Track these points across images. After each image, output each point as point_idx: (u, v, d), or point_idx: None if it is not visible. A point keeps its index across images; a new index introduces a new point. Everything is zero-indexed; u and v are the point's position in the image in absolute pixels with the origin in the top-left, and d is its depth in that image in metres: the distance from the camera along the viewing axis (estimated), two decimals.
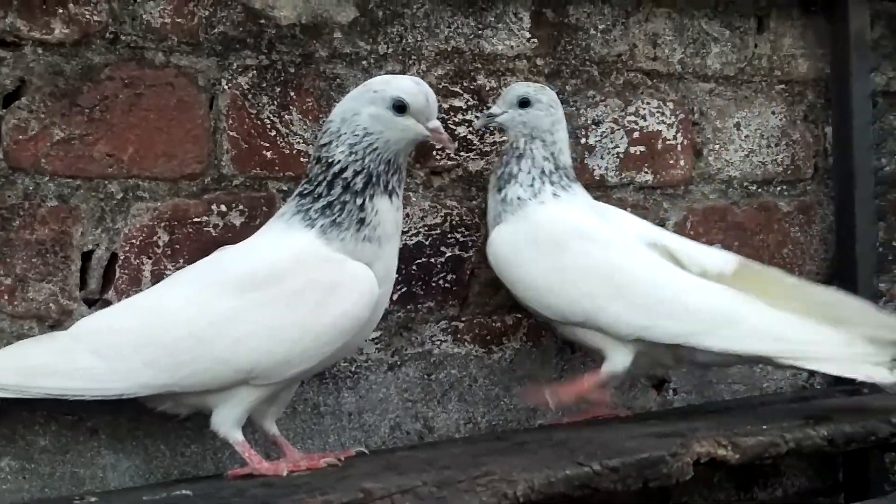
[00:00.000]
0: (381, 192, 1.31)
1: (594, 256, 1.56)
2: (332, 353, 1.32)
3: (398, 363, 1.62)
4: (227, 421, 1.30)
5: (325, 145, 1.33)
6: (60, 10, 1.40)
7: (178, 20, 1.48)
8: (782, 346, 1.51)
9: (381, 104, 1.31)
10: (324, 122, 1.40)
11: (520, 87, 1.62)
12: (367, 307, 1.31)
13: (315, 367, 1.34)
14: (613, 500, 1.56)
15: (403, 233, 1.59)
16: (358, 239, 1.30)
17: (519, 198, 1.59)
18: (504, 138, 1.67)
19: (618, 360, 1.56)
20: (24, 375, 1.26)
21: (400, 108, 1.31)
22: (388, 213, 1.32)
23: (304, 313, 1.28)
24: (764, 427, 1.45)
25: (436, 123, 1.35)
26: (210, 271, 1.34)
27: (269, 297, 1.28)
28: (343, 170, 1.31)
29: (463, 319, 1.68)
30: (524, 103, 1.60)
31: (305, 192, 1.33)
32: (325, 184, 1.31)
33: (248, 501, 1.16)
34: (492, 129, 1.69)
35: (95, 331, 1.30)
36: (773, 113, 1.99)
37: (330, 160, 1.32)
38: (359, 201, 1.30)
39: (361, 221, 1.30)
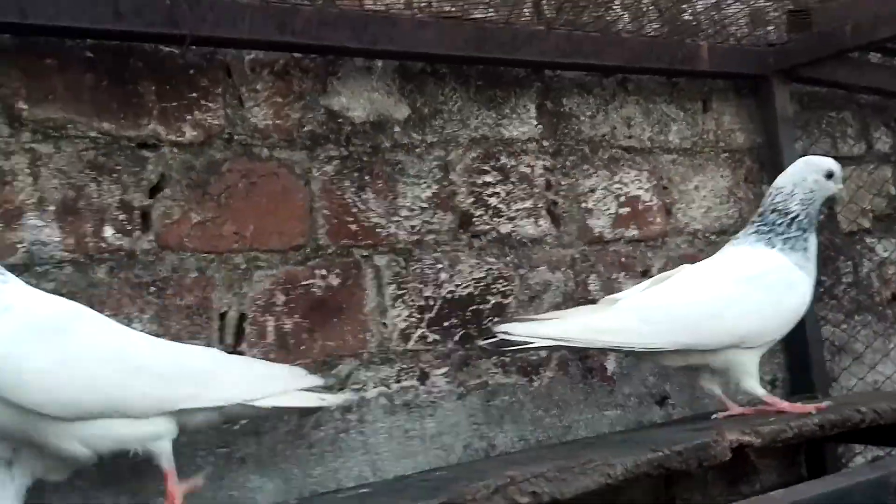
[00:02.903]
0: (812, 231, 1.94)
1: None
2: (785, 331, 1.94)
3: (464, 393, 1.95)
4: (750, 382, 1.91)
5: (780, 201, 1.93)
6: (188, 117, 1.73)
7: (277, 121, 1.82)
8: (245, 390, 1.49)
9: (818, 173, 1.94)
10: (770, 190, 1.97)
11: None
12: (806, 303, 1.95)
13: (775, 339, 1.94)
14: (624, 498, 1.94)
15: (456, 285, 1.96)
16: (799, 259, 1.91)
17: None
18: None
19: None
20: (591, 333, 1.82)
21: (829, 175, 1.95)
22: (813, 245, 1.94)
23: (776, 300, 1.90)
24: (771, 419, 1.83)
25: (841, 185, 1.99)
26: (717, 270, 1.94)
27: (756, 288, 1.88)
28: (797, 215, 1.92)
29: (507, 355, 2.02)
30: None
31: (763, 230, 1.94)
32: (784, 224, 1.92)
33: (424, 490, 1.45)
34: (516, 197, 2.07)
35: (641, 306, 1.87)
36: (722, 176, 2.43)
37: (787, 210, 1.92)
38: (804, 236, 1.92)
39: (804, 249, 1.92)
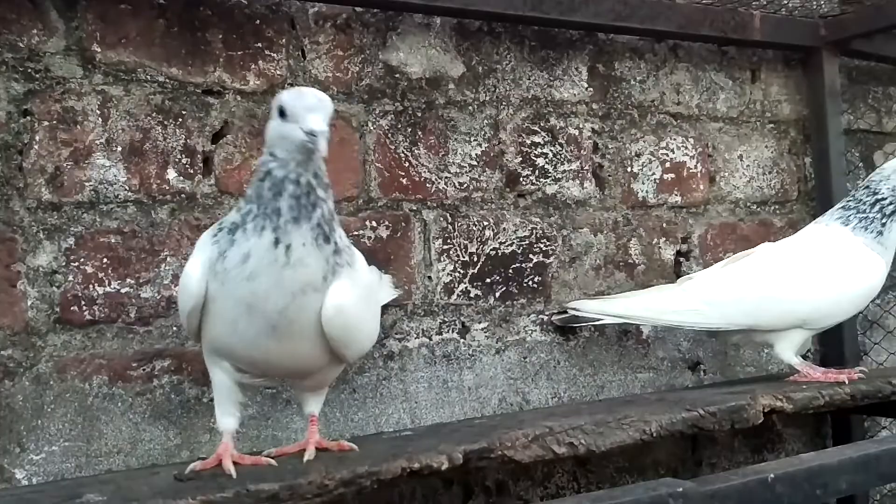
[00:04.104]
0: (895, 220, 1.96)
1: None
2: (851, 314, 2.02)
3: (502, 348, 2.00)
4: (786, 350, 1.97)
5: (876, 180, 1.97)
6: (253, 66, 1.77)
7: (338, 74, 1.86)
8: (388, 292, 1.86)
9: None
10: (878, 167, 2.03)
11: None
12: (880, 283, 1.96)
13: (844, 319, 2.02)
14: (651, 458, 1.99)
15: (500, 242, 2.01)
16: (872, 241, 1.95)
17: None
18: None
19: None
20: (655, 312, 1.94)
21: None
22: (893, 233, 1.96)
23: (842, 283, 1.94)
24: (804, 386, 1.88)
25: None
26: (788, 250, 2.00)
27: (823, 270, 1.94)
28: (885, 198, 1.95)
29: (546, 313, 2.07)
30: None
31: (849, 206, 1.98)
32: (868, 204, 1.96)
33: (465, 435, 1.52)
34: (563, 158, 2.11)
35: (704, 287, 1.96)
36: (766, 147, 2.45)
37: (876, 190, 1.96)
38: (884, 220, 1.95)
39: (880, 233, 1.95)
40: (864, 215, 1.96)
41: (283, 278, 1.25)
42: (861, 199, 1.98)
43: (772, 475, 1.44)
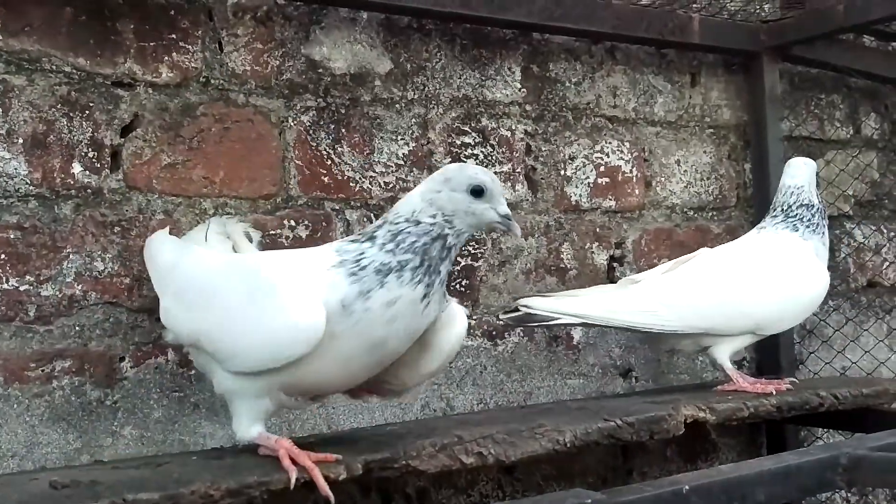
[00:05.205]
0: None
1: None
2: (802, 319, 2.04)
3: None
4: (725, 354, 1.94)
5: (804, 195, 2.03)
6: (166, 57, 1.71)
7: (256, 68, 1.80)
8: None
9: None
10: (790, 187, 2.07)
11: None
12: (823, 292, 1.99)
13: (793, 325, 2.05)
14: (580, 466, 1.95)
15: None
16: (819, 246, 2.00)
17: None
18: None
19: None
20: (608, 311, 1.87)
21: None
22: (828, 239, 2.04)
23: (795, 286, 1.94)
24: (729, 397, 1.84)
25: None
26: (739, 255, 2.00)
27: (776, 276, 1.93)
28: (816, 206, 2.02)
29: (474, 318, 2.02)
30: None
31: (791, 215, 2.03)
32: (808, 210, 2.02)
33: (372, 443, 1.47)
34: (494, 160, 2.06)
35: (661, 288, 1.92)
36: (705, 152, 2.42)
37: (809, 203, 2.03)
38: (823, 226, 2.03)
39: (823, 234, 2.02)
40: (810, 222, 2.02)
41: (414, 324, 1.32)
42: (804, 213, 2.03)
43: (686, 487, 1.40)
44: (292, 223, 1.81)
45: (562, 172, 2.17)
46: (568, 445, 1.55)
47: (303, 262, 1.34)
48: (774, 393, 1.88)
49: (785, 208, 2.06)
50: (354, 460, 1.33)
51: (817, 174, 2.15)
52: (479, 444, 1.47)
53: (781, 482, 1.52)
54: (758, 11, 2.41)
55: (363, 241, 1.32)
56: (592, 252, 2.19)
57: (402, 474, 1.39)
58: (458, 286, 2.00)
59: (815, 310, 2.08)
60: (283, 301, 1.29)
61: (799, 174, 2.08)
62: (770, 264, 1.98)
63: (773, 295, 1.95)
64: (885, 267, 2.71)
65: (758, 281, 1.95)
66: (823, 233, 2.04)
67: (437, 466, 1.42)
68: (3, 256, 1.55)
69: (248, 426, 1.35)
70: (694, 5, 2.29)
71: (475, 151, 2.05)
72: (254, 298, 1.32)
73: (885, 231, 2.71)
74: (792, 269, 1.97)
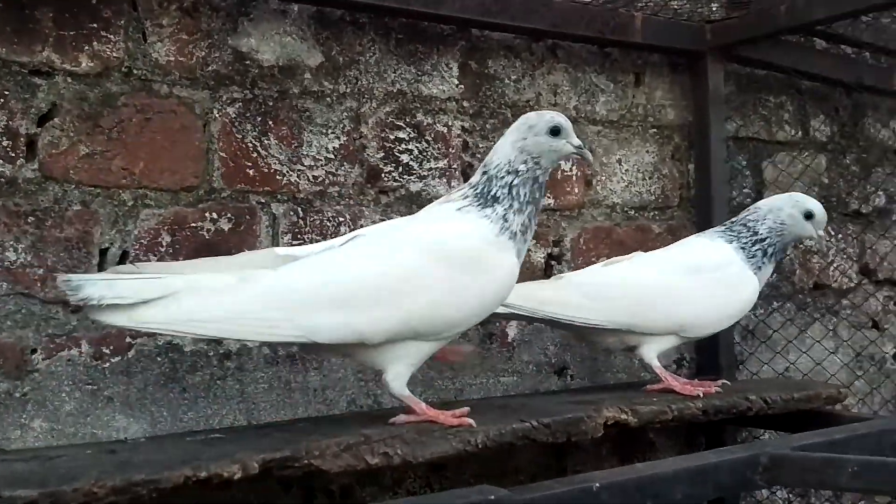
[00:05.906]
0: (771, 261, 2.00)
1: None
2: (725, 326, 2.01)
3: None
4: (651, 353, 1.93)
5: (752, 220, 1.99)
6: (86, 47, 1.69)
7: (181, 59, 1.78)
8: None
9: (797, 209, 1.98)
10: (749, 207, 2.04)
11: None
12: (750, 303, 1.99)
13: (718, 330, 2.01)
14: (512, 464, 1.93)
15: None
16: (754, 262, 1.97)
17: None
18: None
19: None
20: (536, 303, 1.86)
21: (808, 216, 1.97)
22: (769, 269, 2.00)
23: (720, 296, 1.95)
24: (654, 399, 1.83)
25: (821, 232, 2.02)
26: (668, 257, 2.00)
27: (702, 280, 1.93)
28: (764, 239, 1.97)
29: None
30: None
31: (733, 230, 2.00)
32: (750, 235, 1.97)
33: (276, 440, 1.45)
34: (430, 155, 2.05)
35: (584, 282, 1.93)
36: (647, 152, 2.41)
37: (755, 230, 1.98)
38: (763, 258, 1.97)
39: (760, 257, 1.97)
40: (748, 249, 1.98)
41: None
42: (740, 234, 2.00)
43: (597, 484, 1.38)
44: (214, 216, 1.79)
45: None
46: (479, 446, 1.52)
47: None
48: (702, 395, 1.87)
49: (731, 224, 2.04)
50: (251, 458, 1.31)
51: (763, 176, 2.12)
52: (387, 443, 1.45)
53: (699, 481, 1.50)
54: (702, 11, 2.39)
55: (488, 206, 1.53)
56: (530, 250, 2.18)
57: (303, 474, 1.37)
58: None
59: (742, 317, 2.06)
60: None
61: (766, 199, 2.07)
62: (696, 269, 1.96)
63: (696, 299, 1.93)
64: (831, 269, 2.71)
65: (681, 284, 1.93)
66: (761, 262, 1.99)
67: (342, 466, 1.40)
68: None
69: (404, 385, 1.53)
70: (637, 3, 2.28)
71: (410, 147, 2.04)
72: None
73: (831, 233, 2.70)
74: (718, 276, 1.95)
